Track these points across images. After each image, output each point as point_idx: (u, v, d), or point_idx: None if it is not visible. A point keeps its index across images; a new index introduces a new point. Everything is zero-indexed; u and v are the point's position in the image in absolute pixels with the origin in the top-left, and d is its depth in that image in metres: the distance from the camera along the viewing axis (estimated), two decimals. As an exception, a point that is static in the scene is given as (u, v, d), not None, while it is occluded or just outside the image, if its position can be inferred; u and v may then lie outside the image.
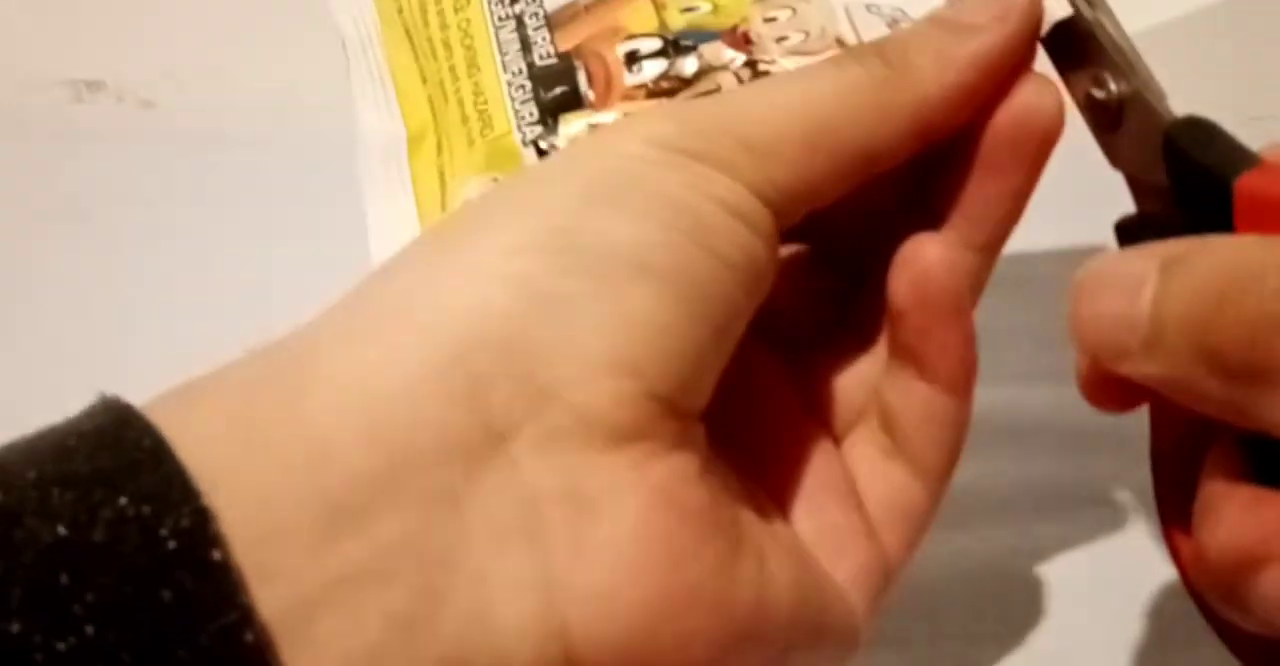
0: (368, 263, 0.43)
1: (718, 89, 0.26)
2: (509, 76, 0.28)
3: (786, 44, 0.27)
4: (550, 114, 0.27)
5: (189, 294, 0.43)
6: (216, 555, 0.16)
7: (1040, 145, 0.24)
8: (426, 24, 0.29)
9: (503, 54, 0.28)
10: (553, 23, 0.28)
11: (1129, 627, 0.32)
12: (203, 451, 0.17)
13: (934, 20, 0.24)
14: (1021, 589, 0.33)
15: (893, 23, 0.27)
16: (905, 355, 0.25)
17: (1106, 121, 0.24)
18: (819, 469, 0.25)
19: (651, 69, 0.27)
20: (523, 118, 0.27)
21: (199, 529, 0.16)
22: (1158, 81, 0.24)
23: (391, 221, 0.29)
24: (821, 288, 0.27)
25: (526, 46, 0.28)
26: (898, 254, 0.24)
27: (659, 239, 0.21)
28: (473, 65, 0.29)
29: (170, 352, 0.41)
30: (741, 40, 0.27)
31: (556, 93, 0.27)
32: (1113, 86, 0.24)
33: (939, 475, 0.25)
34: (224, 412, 0.18)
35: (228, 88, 0.48)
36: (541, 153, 0.27)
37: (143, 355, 0.41)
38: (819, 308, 0.27)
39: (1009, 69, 0.24)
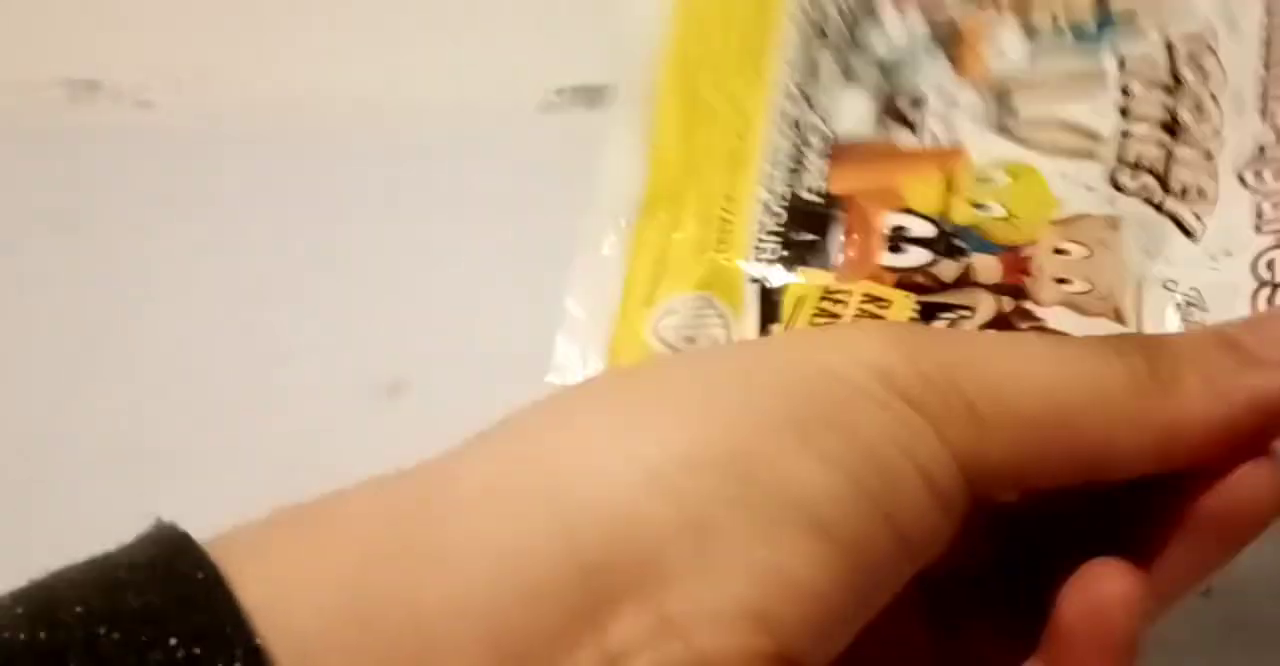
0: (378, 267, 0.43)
1: (971, 310, 0.24)
2: (767, 195, 0.25)
3: (1065, 289, 0.23)
4: (791, 260, 0.24)
5: (187, 296, 0.43)
6: None
7: (1247, 532, 0.21)
8: (716, 83, 0.27)
9: (772, 165, 0.25)
10: (835, 151, 0.25)
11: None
12: (311, 620, 0.16)
13: (1221, 338, 0.21)
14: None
15: (1182, 307, 0.24)
16: None
17: None
18: None
19: (914, 256, 0.24)
20: (762, 250, 0.25)
21: None
22: None
23: (594, 294, 0.26)
24: (991, 550, 0.24)
25: (798, 167, 0.25)
26: (1082, 569, 0.21)
27: (845, 497, 0.19)
28: (737, 159, 0.26)
29: (167, 354, 0.41)
30: (1020, 266, 0.24)
31: (806, 239, 0.24)
32: None
33: None
34: (336, 577, 0.17)
35: (226, 88, 0.48)
36: (766, 296, 0.24)
37: (140, 357, 0.41)
38: (982, 571, 0.24)
39: None
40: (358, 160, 0.46)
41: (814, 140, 0.25)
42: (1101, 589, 0.21)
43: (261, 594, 0.16)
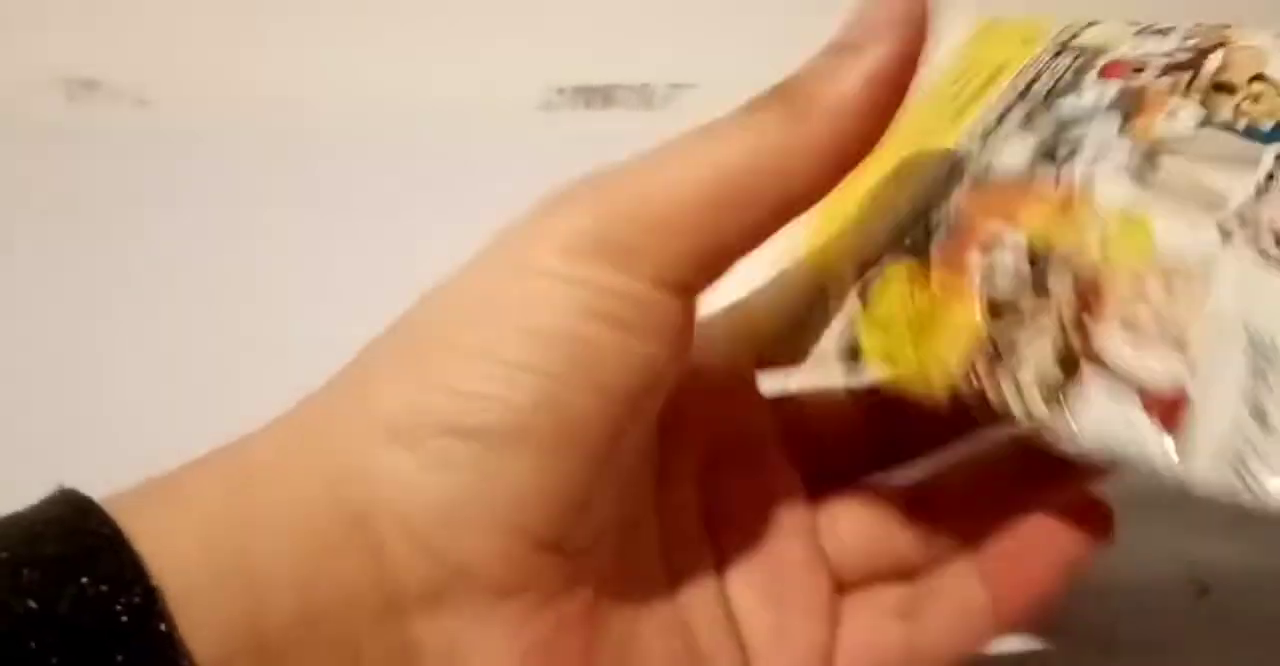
0: (378, 266, 0.43)
1: (1039, 331, 0.25)
2: (903, 203, 0.27)
3: (1127, 308, 0.24)
4: (895, 253, 0.26)
5: (186, 294, 0.43)
6: (163, 627, 0.19)
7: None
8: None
9: (920, 181, 0.28)
10: (977, 177, 0.27)
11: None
12: (172, 575, 0.20)
13: (826, 48, 0.24)
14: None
15: (1253, 347, 0.24)
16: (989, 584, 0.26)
17: None
18: (801, 591, 0.26)
19: (996, 263, 0.25)
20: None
21: (148, 606, 0.19)
22: None
23: None
24: (869, 427, 0.28)
25: (942, 187, 0.27)
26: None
27: (544, 399, 0.21)
28: (893, 175, 0.28)
29: (167, 352, 0.41)
30: (1094, 291, 0.25)
31: (917, 237, 0.26)
32: None
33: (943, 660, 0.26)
34: (192, 534, 0.20)
35: (224, 87, 0.48)
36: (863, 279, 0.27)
37: (137, 355, 0.41)
38: (861, 446, 0.28)
39: (907, 77, 0.24)
40: (357, 159, 0.46)
41: (968, 166, 0.27)
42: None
43: (148, 548, 0.20)
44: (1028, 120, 0.27)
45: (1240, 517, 0.33)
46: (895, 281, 0.26)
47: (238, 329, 0.41)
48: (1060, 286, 0.25)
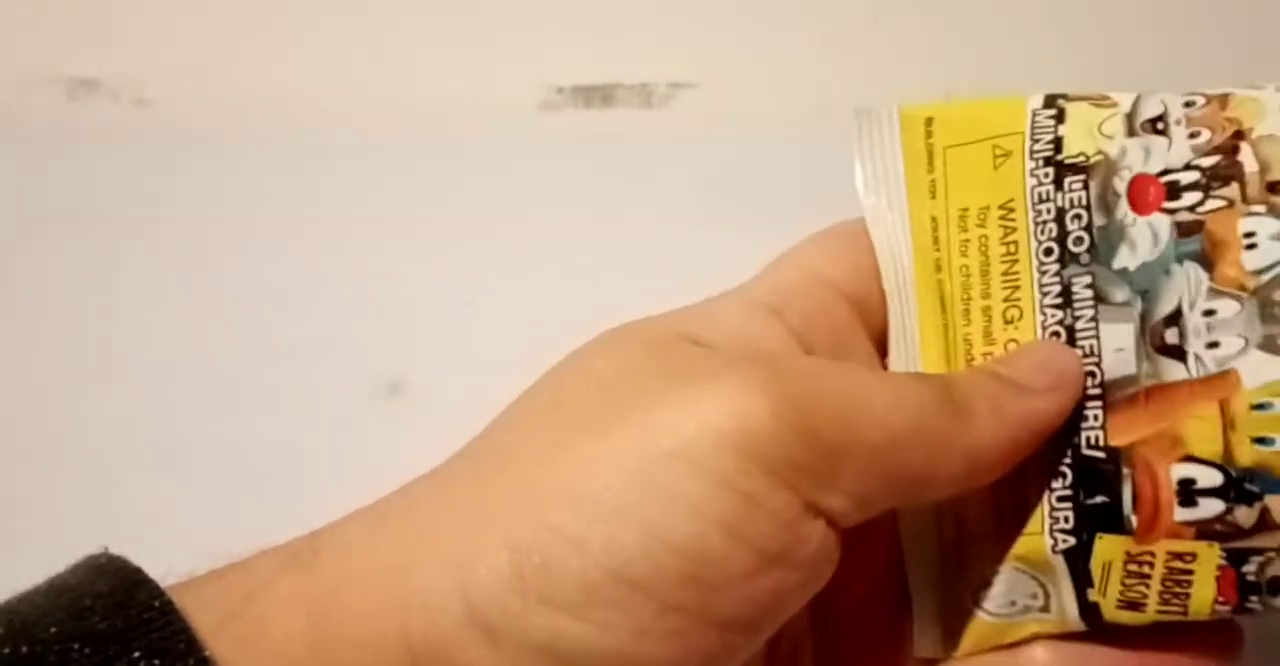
0: (378, 267, 0.43)
1: (1276, 550, 0.24)
2: (1049, 452, 0.25)
3: None
4: (1086, 528, 0.25)
5: (186, 295, 0.43)
6: None
7: None
8: (969, 321, 0.27)
9: None
10: (1108, 398, 0.25)
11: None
12: None
13: (992, 374, 0.25)
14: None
15: None
16: None
17: None
18: None
19: (1207, 508, 0.24)
20: (1056, 520, 0.25)
21: None
22: None
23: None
24: (878, 574, 0.27)
25: (1073, 425, 0.25)
26: None
27: (649, 627, 0.21)
28: None
29: (167, 353, 0.41)
30: None
31: (1097, 502, 0.25)
32: None
33: None
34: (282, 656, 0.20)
35: (224, 86, 0.48)
36: (1072, 564, 0.25)
37: (139, 355, 0.41)
38: (867, 593, 0.27)
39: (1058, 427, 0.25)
40: (357, 159, 0.46)
41: (1086, 381, 0.26)
42: None
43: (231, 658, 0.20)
44: (1099, 298, 0.26)
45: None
46: (1115, 569, 0.25)
47: (238, 330, 0.41)
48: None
